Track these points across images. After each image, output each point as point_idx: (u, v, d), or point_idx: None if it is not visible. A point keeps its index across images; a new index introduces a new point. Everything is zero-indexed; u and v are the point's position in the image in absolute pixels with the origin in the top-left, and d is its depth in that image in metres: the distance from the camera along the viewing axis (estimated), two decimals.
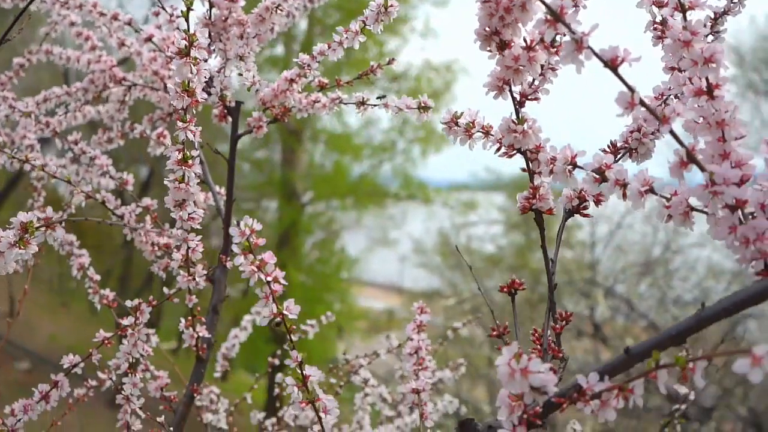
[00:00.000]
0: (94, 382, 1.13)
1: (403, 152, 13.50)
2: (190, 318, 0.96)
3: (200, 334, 0.96)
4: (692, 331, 0.50)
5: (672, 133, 0.51)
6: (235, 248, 0.61)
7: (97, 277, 1.10)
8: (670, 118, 0.50)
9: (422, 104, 0.84)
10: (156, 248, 1.01)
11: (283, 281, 0.62)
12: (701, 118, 0.54)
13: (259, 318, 1.53)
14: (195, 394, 0.99)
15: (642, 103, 0.50)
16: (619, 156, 0.68)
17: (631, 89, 0.50)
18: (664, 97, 0.68)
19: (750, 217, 0.51)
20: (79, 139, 1.11)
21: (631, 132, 0.68)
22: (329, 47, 0.90)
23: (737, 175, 0.50)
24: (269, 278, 0.62)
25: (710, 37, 0.71)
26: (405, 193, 13.02)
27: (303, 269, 11.57)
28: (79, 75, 1.27)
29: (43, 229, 0.67)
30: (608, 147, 0.69)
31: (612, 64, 0.51)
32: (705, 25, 0.72)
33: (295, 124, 13.09)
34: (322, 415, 0.64)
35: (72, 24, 1.19)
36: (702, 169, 0.51)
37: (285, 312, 0.63)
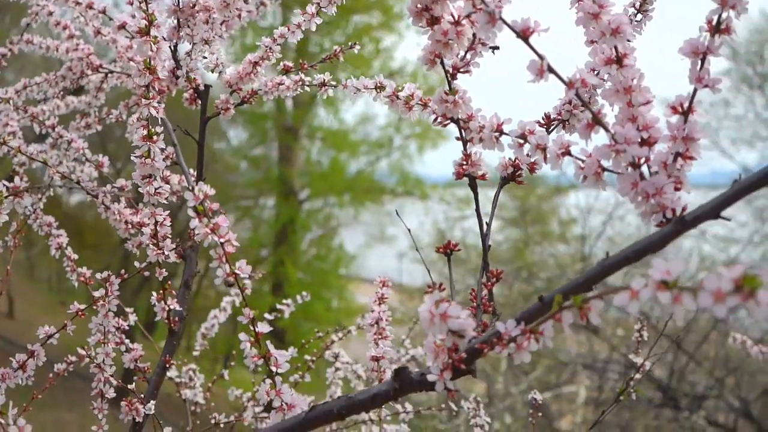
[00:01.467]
0: (73, 358, 1.18)
1: (399, 149, 13.54)
2: (161, 292, 1.00)
3: (172, 308, 1.01)
4: (598, 278, 0.54)
5: (578, 97, 0.55)
6: (189, 212, 0.66)
7: (75, 257, 1.14)
8: (575, 83, 0.55)
9: (378, 84, 0.88)
10: (129, 226, 1.05)
11: (235, 243, 0.67)
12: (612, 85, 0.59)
13: (237, 298, 1.56)
14: (167, 365, 1.03)
15: (550, 69, 0.55)
16: (552, 126, 0.73)
17: (540, 57, 0.55)
18: (596, 71, 0.73)
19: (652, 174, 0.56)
20: (56, 123, 1.15)
21: (564, 104, 0.72)
22: (289, 29, 0.95)
23: (637, 135, 0.54)
24: (222, 240, 0.66)
25: (639, 16, 0.76)
26: (402, 190, 13.06)
27: (301, 266, 11.62)
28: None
29: (11, 198, 0.72)
30: (542, 118, 0.73)
31: (524, 34, 0.55)
32: (634, 5, 0.77)
33: (292, 121, 13.15)
34: (273, 368, 0.69)
35: (50, 13, 1.23)
36: (606, 129, 0.55)
37: (237, 272, 0.68)
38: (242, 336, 0.69)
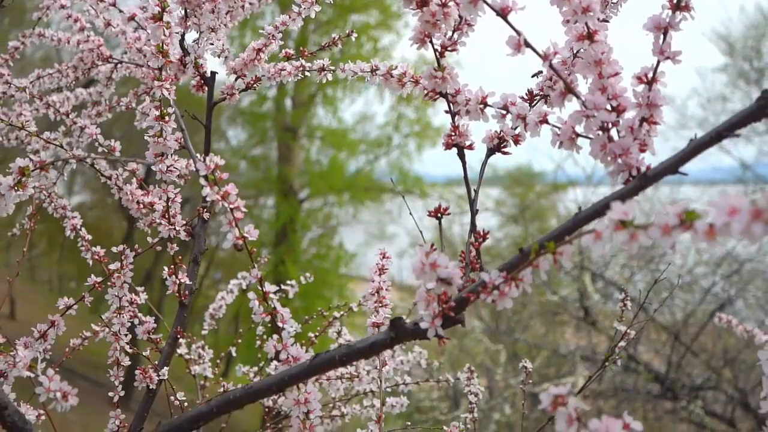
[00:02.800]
0: (88, 334, 1.24)
1: (398, 147, 13.59)
2: (172, 266, 1.06)
3: (182, 281, 1.07)
4: (571, 230, 0.61)
5: (552, 68, 0.62)
6: (201, 180, 0.72)
7: (89, 237, 1.20)
8: (549, 56, 0.61)
9: (374, 68, 0.94)
10: (141, 206, 1.11)
11: (244, 209, 0.73)
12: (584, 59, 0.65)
13: (245, 281, 1.62)
14: (179, 336, 1.09)
15: (527, 44, 0.61)
16: (535, 101, 0.79)
17: (518, 33, 0.61)
18: (575, 51, 0.79)
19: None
20: (70, 111, 1.21)
21: (545, 81, 0.78)
22: (290, 17, 1.01)
23: (605, 102, 0.61)
24: (232, 206, 0.73)
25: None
26: (401, 188, 13.11)
27: (301, 265, 11.67)
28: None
29: (37, 171, 0.78)
30: (525, 94, 0.79)
31: (503, 12, 0.61)
32: None
33: (291, 121, 13.19)
34: (280, 324, 0.75)
35: (62, 7, 1.29)
36: (577, 97, 0.62)
37: (246, 235, 0.74)
38: (251, 295, 0.76)
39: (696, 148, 0.57)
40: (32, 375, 0.73)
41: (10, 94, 1.25)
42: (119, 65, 1.29)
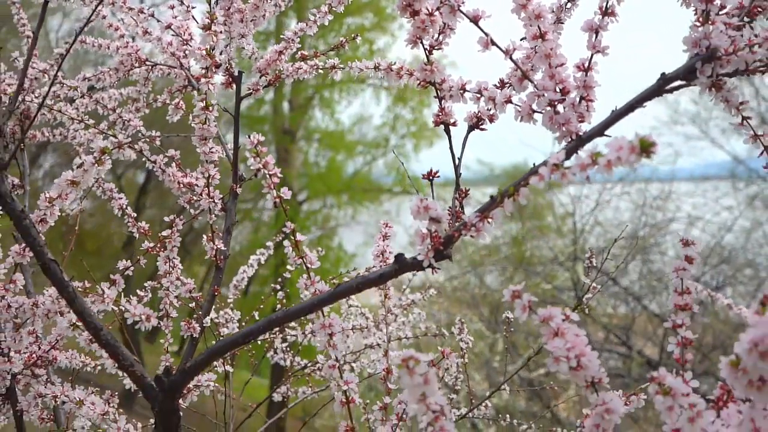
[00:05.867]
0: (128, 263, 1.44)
1: (395, 148, 13.78)
2: (210, 234, 1.27)
3: (218, 247, 1.28)
4: (525, 179, 0.81)
5: (512, 60, 0.83)
6: (247, 153, 0.93)
7: (134, 214, 1.41)
8: (510, 51, 0.82)
9: (377, 65, 1.15)
10: (180, 186, 1.32)
11: (279, 174, 0.94)
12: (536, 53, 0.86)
13: (262, 257, 1.83)
14: (216, 293, 1.30)
15: (492, 42, 0.82)
16: (506, 87, 1.00)
17: (486, 34, 0.82)
18: (531, 47, 1.00)
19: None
20: (116, 106, 1.42)
21: (512, 72, 0.99)
22: (307, 24, 1.22)
23: (553, 85, 0.82)
24: (270, 173, 0.94)
25: (569, 4, 1.03)
26: (399, 188, 13.30)
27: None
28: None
29: (116, 150, 0.99)
30: (498, 82, 1.00)
31: (475, 19, 0.83)
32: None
33: (289, 124, 13.37)
34: (308, 265, 0.96)
35: (104, 17, 1.50)
36: (531, 82, 0.83)
37: (282, 195, 0.95)
38: (287, 242, 0.97)
39: (616, 116, 0.78)
40: (117, 308, 0.94)
41: (64, 94, 1.46)
42: (155, 67, 1.50)
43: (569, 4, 1.02)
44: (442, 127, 0.99)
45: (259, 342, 1.71)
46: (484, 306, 8.50)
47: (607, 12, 0.83)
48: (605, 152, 0.65)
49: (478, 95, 0.90)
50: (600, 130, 0.79)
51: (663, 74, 0.77)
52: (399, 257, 0.89)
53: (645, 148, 0.60)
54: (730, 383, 0.60)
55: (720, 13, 0.79)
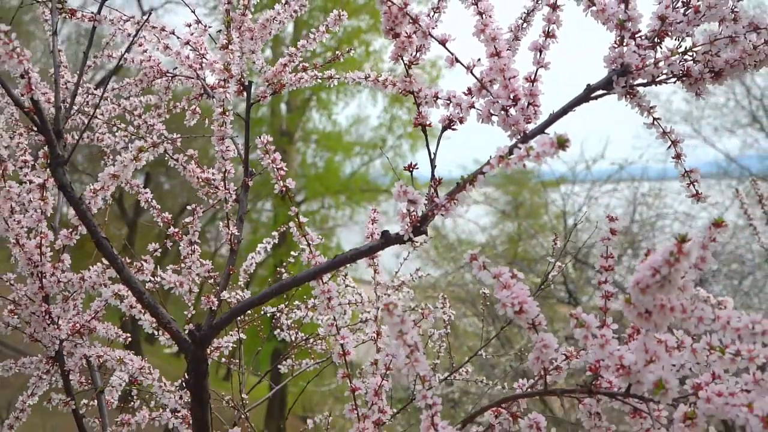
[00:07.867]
0: (157, 245, 1.65)
1: (392, 148, 13.98)
2: (226, 220, 1.48)
3: (233, 232, 1.49)
4: (480, 170, 1.02)
5: (472, 74, 1.04)
6: (259, 151, 1.14)
7: (158, 207, 1.62)
8: (470, 67, 1.03)
9: (367, 75, 1.36)
10: (199, 180, 1.53)
11: (285, 168, 1.15)
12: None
13: (269, 245, 2.04)
14: (231, 272, 1.51)
15: (457, 60, 1.03)
16: (473, 96, 1.21)
17: (452, 53, 1.03)
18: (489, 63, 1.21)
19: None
20: (141, 112, 1.63)
21: (474, 83, 1.20)
22: (307, 41, 1.43)
23: (506, 94, 1.03)
24: (278, 167, 1.15)
25: (524, 24, 1.24)
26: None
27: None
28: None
29: (152, 148, 1.20)
30: (466, 90, 1.21)
31: (443, 42, 1.04)
32: (521, 18, 1.25)
33: (287, 125, 13.54)
34: (309, 242, 1.17)
35: (129, 35, 1.71)
36: (488, 91, 1.04)
37: (287, 185, 1.16)
38: (291, 223, 1.18)
39: (552, 119, 0.99)
40: (154, 278, 1.14)
41: (93, 102, 1.67)
42: (174, 78, 1.71)
43: (525, 24, 1.23)
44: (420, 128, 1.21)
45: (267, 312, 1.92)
46: (477, 301, 8.73)
47: (548, 35, 1.05)
48: (536, 147, 0.86)
49: (448, 101, 1.11)
50: (541, 129, 1.00)
51: (588, 85, 0.98)
52: (384, 233, 1.10)
53: (561, 143, 0.81)
54: (626, 316, 0.81)
55: (637, 35, 1.01)
